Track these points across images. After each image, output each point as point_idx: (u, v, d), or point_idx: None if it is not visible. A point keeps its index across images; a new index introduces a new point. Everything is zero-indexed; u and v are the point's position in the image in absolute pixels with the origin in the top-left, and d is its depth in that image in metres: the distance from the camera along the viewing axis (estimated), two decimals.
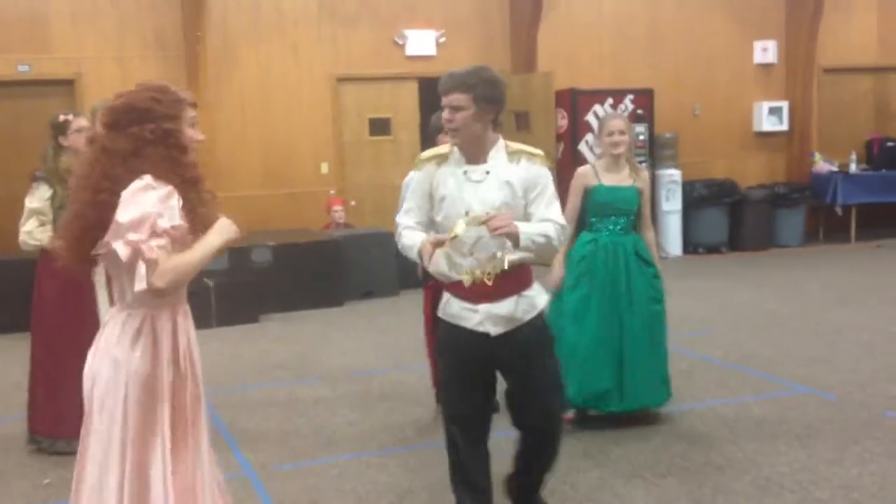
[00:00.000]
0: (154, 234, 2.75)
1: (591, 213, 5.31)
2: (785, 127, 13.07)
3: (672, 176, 11.91)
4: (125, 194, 2.80)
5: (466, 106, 3.49)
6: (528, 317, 3.62)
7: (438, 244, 3.40)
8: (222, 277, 8.93)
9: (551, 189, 3.61)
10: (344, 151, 11.44)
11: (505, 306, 3.58)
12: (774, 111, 12.99)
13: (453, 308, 3.67)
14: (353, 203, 11.21)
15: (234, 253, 9.22)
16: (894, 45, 13.47)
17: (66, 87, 10.24)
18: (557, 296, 5.19)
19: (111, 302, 3.12)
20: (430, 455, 5.01)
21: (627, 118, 5.69)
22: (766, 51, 12.99)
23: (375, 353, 7.47)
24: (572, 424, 5.26)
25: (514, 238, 3.40)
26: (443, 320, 3.73)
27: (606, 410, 5.28)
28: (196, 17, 10.33)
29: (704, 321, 8.07)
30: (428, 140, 5.57)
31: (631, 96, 11.76)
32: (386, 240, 9.93)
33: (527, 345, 3.63)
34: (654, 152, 11.92)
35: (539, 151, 3.66)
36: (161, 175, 2.86)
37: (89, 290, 5.17)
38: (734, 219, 12.28)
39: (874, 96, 13.73)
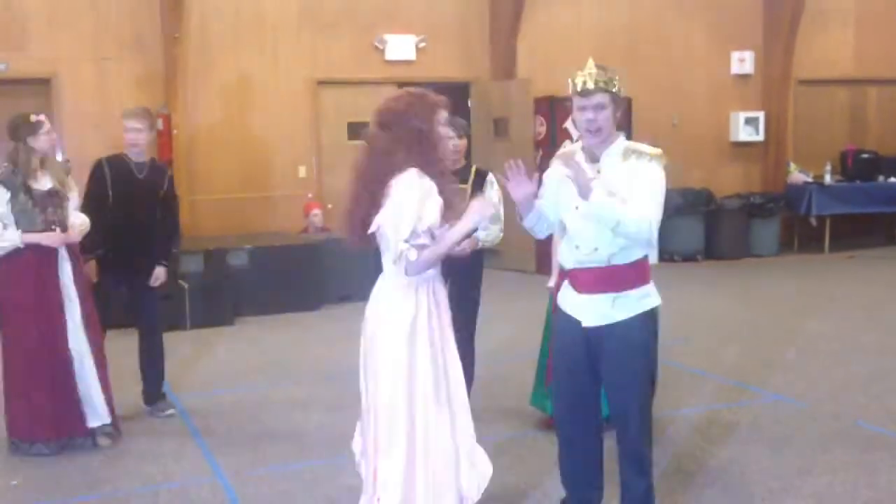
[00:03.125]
0: (414, 234, 3.41)
1: None
2: (761, 137, 13.18)
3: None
4: (398, 188, 3.39)
5: (607, 104, 3.60)
6: (623, 316, 3.67)
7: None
8: (197, 279, 8.88)
9: (649, 183, 3.60)
10: (322, 155, 11.42)
11: (601, 301, 3.68)
12: (751, 121, 13.10)
13: (565, 297, 3.83)
14: (329, 206, 11.17)
15: (210, 255, 9.17)
16: (870, 59, 13.62)
17: (42, 86, 10.16)
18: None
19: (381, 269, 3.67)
20: None
21: None
22: (743, 61, 13.10)
23: (351, 357, 7.37)
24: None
25: (583, 190, 3.48)
26: (559, 307, 3.88)
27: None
28: (174, 20, 10.28)
29: (679, 329, 8.09)
30: None
31: None
32: None
33: (616, 344, 3.70)
34: None
35: (654, 150, 3.71)
36: (418, 168, 3.44)
37: (53, 288, 5.15)
38: (710, 228, 12.35)
39: (850, 108, 13.88)
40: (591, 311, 3.71)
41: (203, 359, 7.51)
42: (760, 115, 13.14)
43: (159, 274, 5.94)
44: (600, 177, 3.61)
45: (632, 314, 3.69)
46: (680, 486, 4.58)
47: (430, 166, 3.48)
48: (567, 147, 3.95)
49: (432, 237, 3.47)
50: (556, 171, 3.79)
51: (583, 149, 3.75)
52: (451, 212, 3.52)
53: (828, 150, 13.34)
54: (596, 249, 3.65)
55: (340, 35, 11.31)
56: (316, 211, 10.48)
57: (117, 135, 5.76)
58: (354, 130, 11.51)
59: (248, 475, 4.88)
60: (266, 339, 8.21)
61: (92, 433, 5.30)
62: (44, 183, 5.18)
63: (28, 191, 5.10)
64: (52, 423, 5.18)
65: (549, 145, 11.57)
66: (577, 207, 3.66)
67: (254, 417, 5.89)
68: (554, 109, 11.56)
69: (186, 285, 8.65)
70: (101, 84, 10.32)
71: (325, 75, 11.28)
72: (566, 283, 3.85)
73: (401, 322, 3.52)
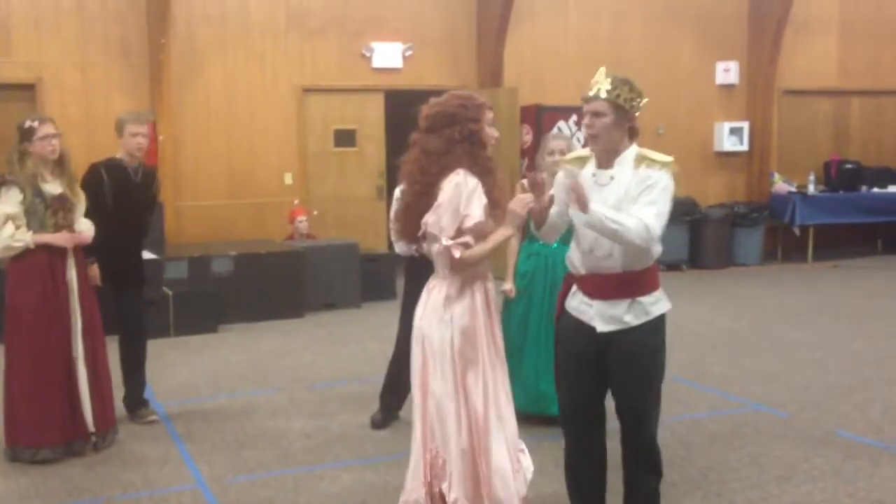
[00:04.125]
0: (460, 232, 3.51)
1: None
2: (745, 147, 13.25)
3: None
4: (446, 189, 3.49)
5: (606, 112, 3.68)
6: (637, 322, 3.75)
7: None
8: (181, 286, 8.86)
9: (657, 191, 3.66)
10: (308, 162, 11.42)
11: (616, 307, 3.75)
12: (735, 131, 13.17)
13: (575, 301, 3.89)
14: (315, 213, 11.18)
15: (194, 262, 9.16)
16: (853, 69, 13.72)
17: (26, 91, 10.12)
18: (506, 303, 5.61)
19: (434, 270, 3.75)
20: (386, 468, 5.01)
21: (569, 138, 5.90)
22: (727, 71, 13.17)
23: (334, 365, 7.45)
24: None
25: (582, 206, 3.55)
26: (566, 311, 3.93)
27: (549, 413, 5.45)
28: (161, 25, 10.27)
29: None
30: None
31: None
32: (348, 251, 9.92)
33: (630, 348, 3.77)
34: None
35: (665, 158, 3.76)
36: (466, 167, 3.54)
37: (62, 291, 5.14)
38: (694, 237, 12.40)
39: (833, 119, 13.97)
40: (606, 316, 3.76)
41: (186, 365, 7.49)
42: (745, 125, 13.20)
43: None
44: (612, 182, 3.72)
45: (644, 319, 3.76)
46: (661, 495, 4.58)
47: (480, 165, 3.58)
48: (579, 152, 4.01)
49: (478, 236, 3.56)
50: (566, 174, 3.91)
51: (595, 155, 3.85)
52: (498, 210, 3.61)
53: (811, 160, 13.43)
54: (610, 255, 3.71)
55: (328, 42, 11.32)
56: (301, 217, 10.47)
57: (102, 140, 5.80)
58: (341, 138, 11.54)
59: (230, 482, 4.87)
60: (250, 346, 8.20)
61: (89, 437, 5.28)
62: (54, 187, 5.19)
63: (39, 193, 5.11)
64: (61, 428, 5.17)
65: (534, 154, 11.60)
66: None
67: (236, 424, 5.88)
68: (541, 118, 11.61)
69: (170, 292, 8.63)
70: (86, 89, 10.30)
71: (311, 82, 11.29)
72: (575, 287, 3.91)
73: (457, 321, 3.58)
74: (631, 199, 3.65)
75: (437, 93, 3.80)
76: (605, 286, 3.75)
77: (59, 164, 5.24)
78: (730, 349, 7.73)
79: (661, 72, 12.71)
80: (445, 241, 3.51)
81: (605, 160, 3.78)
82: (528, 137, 11.75)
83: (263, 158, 11.14)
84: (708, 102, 13.19)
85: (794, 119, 13.59)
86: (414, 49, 11.66)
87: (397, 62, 11.61)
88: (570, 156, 4.04)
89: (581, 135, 11.65)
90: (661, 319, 3.82)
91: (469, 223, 3.52)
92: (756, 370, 7.01)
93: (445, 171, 3.54)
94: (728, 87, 13.26)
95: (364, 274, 9.93)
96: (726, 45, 13.16)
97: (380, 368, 5.88)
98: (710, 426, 5.68)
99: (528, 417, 5.81)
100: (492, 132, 3.65)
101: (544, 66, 12.25)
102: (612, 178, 3.73)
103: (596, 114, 3.68)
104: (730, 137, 13.15)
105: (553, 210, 3.87)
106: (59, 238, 5.14)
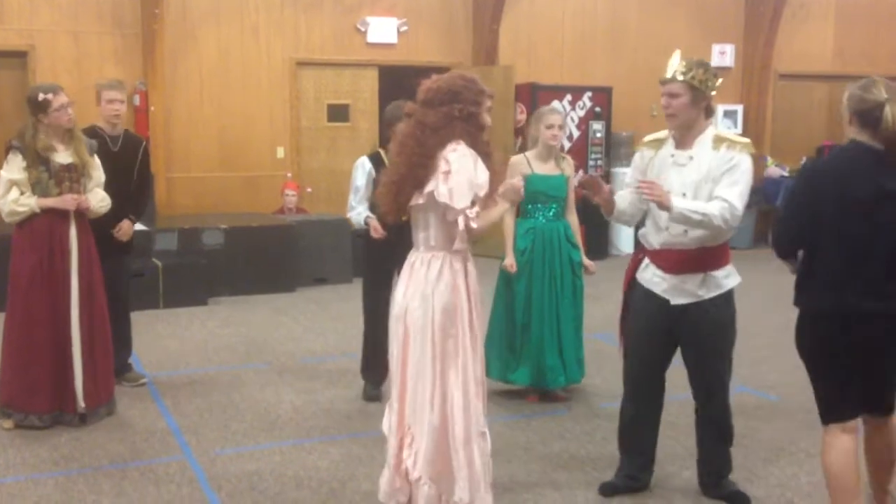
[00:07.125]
0: (474, 203, 3.50)
1: (526, 200, 5.58)
2: (739, 130, 13.22)
3: (627, 175, 11.98)
4: (453, 161, 3.47)
5: (682, 93, 3.85)
6: (710, 295, 3.96)
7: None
8: (171, 258, 8.84)
9: (739, 173, 3.86)
10: (301, 136, 11.36)
11: (690, 281, 3.93)
12: (729, 114, 13.16)
13: (648, 274, 4.08)
14: (308, 190, 11.14)
15: (185, 234, 9.12)
16: (849, 54, 13.70)
17: (18, 59, 10.02)
18: (508, 281, 5.71)
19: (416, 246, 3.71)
20: (373, 443, 5.00)
21: (563, 113, 6.00)
22: (723, 54, 13.14)
23: (324, 339, 7.45)
24: (519, 415, 5.29)
25: (663, 207, 3.75)
26: (638, 283, 4.10)
27: (555, 385, 5.70)
28: None
29: None
30: (384, 129, 5.63)
31: (589, 93, 11.83)
32: (340, 226, 9.89)
33: (703, 321, 3.97)
34: (611, 150, 12.01)
35: (743, 140, 3.98)
36: (464, 144, 3.53)
37: (62, 258, 5.11)
38: None
39: (828, 104, 13.95)
40: (680, 290, 3.95)
41: (175, 338, 7.47)
42: (739, 108, 13.20)
43: (124, 225, 5.89)
44: (692, 163, 3.89)
45: (717, 292, 3.96)
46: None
47: (477, 148, 3.57)
48: (655, 134, 4.15)
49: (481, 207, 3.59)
50: (642, 157, 4.12)
51: (672, 136, 4.01)
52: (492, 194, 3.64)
53: (805, 144, 13.42)
54: (685, 232, 3.90)
55: (322, 16, 11.24)
56: (289, 191, 10.43)
57: (95, 109, 5.76)
58: (334, 112, 11.48)
59: (217, 454, 4.87)
60: (239, 319, 8.18)
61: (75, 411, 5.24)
62: (63, 157, 5.16)
63: (45, 162, 5.08)
64: (48, 397, 5.16)
65: (526, 128, 11.56)
66: (667, 192, 3.84)
67: (224, 397, 5.87)
68: (535, 97, 11.55)
69: (160, 263, 8.60)
70: (78, 58, 10.20)
71: (305, 56, 11.22)
72: (647, 261, 4.07)
73: (440, 297, 3.56)
74: (713, 179, 3.84)
75: (432, 69, 3.79)
76: (680, 261, 3.93)
77: (69, 133, 5.22)
78: None
79: (657, 53, 12.59)
80: (469, 212, 3.48)
81: (683, 140, 3.95)
82: (522, 116, 11.69)
83: (256, 131, 11.08)
84: None
85: (788, 103, 13.58)
86: (409, 25, 11.59)
87: (392, 37, 11.54)
88: (647, 138, 4.18)
89: (575, 115, 11.71)
90: (732, 292, 4.03)
91: (481, 192, 3.54)
92: (745, 353, 6.96)
93: (443, 143, 3.53)
94: (723, 70, 13.20)
95: (355, 249, 9.89)
96: (723, 27, 13.13)
97: None
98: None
99: (529, 392, 5.83)
100: (488, 119, 3.66)
101: (540, 44, 12.20)
102: (691, 158, 3.91)
103: (672, 95, 3.87)
104: (724, 120, 13.13)
105: (629, 197, 4.06)
106: (59, 201, 5.09)
